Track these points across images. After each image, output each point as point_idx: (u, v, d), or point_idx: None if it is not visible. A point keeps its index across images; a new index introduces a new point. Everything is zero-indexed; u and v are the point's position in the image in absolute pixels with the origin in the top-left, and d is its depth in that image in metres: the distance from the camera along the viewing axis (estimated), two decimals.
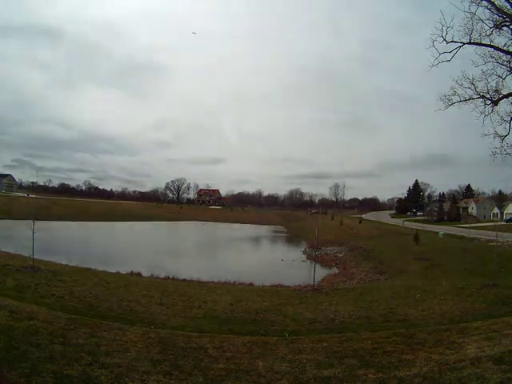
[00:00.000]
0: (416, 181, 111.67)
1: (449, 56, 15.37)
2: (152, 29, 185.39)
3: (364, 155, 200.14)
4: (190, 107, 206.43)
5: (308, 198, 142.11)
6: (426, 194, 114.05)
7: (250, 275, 18.70)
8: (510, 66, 14.39)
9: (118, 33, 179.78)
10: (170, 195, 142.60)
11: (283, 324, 8.80)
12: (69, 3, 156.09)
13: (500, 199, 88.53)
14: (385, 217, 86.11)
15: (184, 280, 16.77)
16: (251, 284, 16.78)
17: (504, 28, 14.05)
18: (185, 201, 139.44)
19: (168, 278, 17.21)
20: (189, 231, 67.21)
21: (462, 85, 15.20)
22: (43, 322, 5.91)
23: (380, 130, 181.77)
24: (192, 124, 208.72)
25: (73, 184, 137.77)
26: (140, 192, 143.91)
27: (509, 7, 13.68)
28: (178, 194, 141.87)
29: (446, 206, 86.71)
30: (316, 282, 15.80)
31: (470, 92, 15.27)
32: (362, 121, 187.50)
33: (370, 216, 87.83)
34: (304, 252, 35.36)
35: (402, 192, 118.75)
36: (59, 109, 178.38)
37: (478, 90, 15.12)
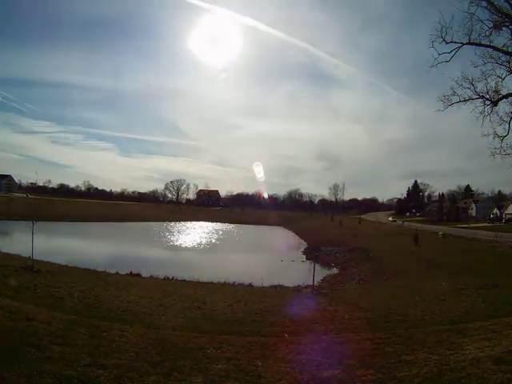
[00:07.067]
0: (415, 181, 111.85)
1: (448, 56, 15.41)
2: None
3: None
4: None
5: (307, 199, 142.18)
6: (426, 194, 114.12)
7: (249, 276, 18.67)
8: (509, 67, 14.41)
9: None
10: (170, 196, 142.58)
11: (283, 324, 8.80)
12: None
13: (499, 199, 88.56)
14: (384, 217, 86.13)
15: (184, 281, 16.75)
16: (250, 285, 16.76)
17: (503, 28, 14.08)
18: (184, 201, 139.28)
19: (167, 278, 17.18)
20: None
21: (461, 85, 15.25)
22: (42, 322, 5.90)
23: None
24: None
25: (72, 185, 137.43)
26: (139, 193, 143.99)
27: (508, 8, 13.71)
28: (178, 194, 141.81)
29: (446, 207, 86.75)
30: (316, 283, 15.81)
31: (469, 92, 15.31)
32: None
33: (369, 216, 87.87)
34: (303, 252, 35.34)
35: (401, 192, 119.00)
36: None
37: (478, 90, 15.17)
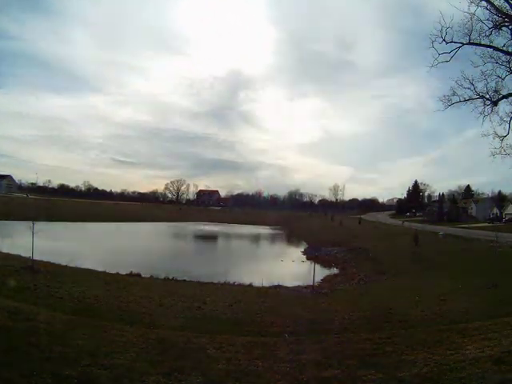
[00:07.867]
0: (415, 181, 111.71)
1: (448, 56, 15.39)
2: None
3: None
4: None
5: (308, 199, 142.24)
6: (426, 194, 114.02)
7: (249, 276, 18.68)
8: (509, 67, 14.39)
9: None
10: (170, 196, 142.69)
11: (283, 325, 8.80)
12: None
13: (499, 199, 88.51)
14: (384, 217, 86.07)
15: (184, 281, 16.75)
16: (250, 285, 16.76)
17: (503, 28, 14.06)
18: (184, 202, 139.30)
19: (167, 278, 17.17)
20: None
21: (461, 85, 15.23)
22: (42, 322, 5.90)
23: None
24: None
25: (72, 185, 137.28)
26: (139, 193, 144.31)
27: (508, 8, 13.69)
28: (178, 194, 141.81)
29: (446, 207, 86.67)
30: (316, 283, 15.81)
31: (469, 92, 15.27)
32: None
33: (369, 216, 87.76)
34: (304, 252, 35.31)
35: (401, 192, 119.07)
36: None
37: (478, 90, 15.14)
